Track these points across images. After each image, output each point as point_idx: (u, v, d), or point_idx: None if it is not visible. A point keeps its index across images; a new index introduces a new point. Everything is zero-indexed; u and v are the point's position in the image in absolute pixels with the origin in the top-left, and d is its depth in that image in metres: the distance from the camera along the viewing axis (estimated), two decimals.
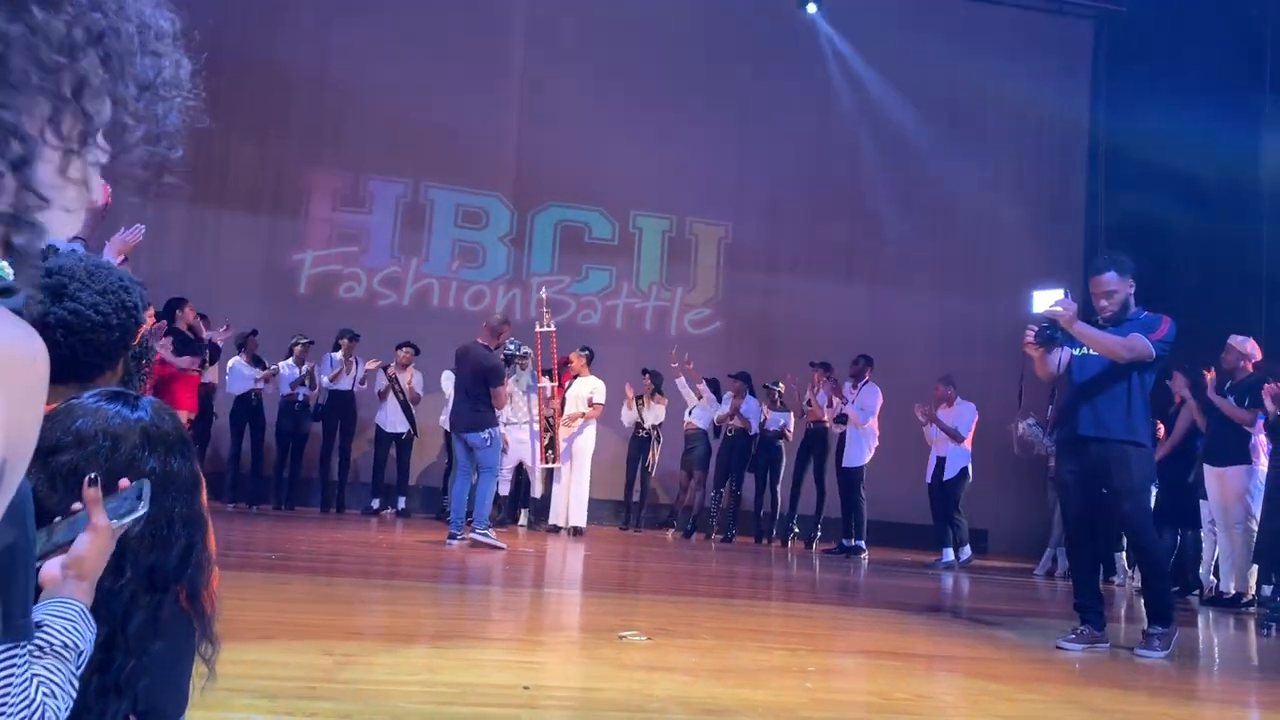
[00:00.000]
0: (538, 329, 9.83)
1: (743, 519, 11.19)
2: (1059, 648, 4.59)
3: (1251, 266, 10.48)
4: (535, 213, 12.88)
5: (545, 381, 9.65)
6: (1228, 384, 7.67)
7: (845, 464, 10.22)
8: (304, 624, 3.77)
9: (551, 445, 9.61)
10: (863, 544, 10.11)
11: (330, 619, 4.00)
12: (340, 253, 12.42)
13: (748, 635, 4.35)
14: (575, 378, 10.12)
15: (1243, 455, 7.55)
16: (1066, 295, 4.62)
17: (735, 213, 13.20)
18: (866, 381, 10.28)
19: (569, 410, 9.92)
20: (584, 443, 9.95)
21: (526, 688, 2.89)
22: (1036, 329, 4.62)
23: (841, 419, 10.34)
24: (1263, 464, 7.47)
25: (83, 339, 1.61)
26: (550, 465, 9.56)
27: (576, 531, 9.64)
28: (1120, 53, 13.34)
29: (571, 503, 9.79)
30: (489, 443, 7.64)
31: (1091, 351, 4.68)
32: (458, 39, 12.33)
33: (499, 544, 7.49)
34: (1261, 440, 7.52)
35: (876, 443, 10.20)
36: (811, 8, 13.13)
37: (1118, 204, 13.02)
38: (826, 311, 12.74)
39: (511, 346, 9.11)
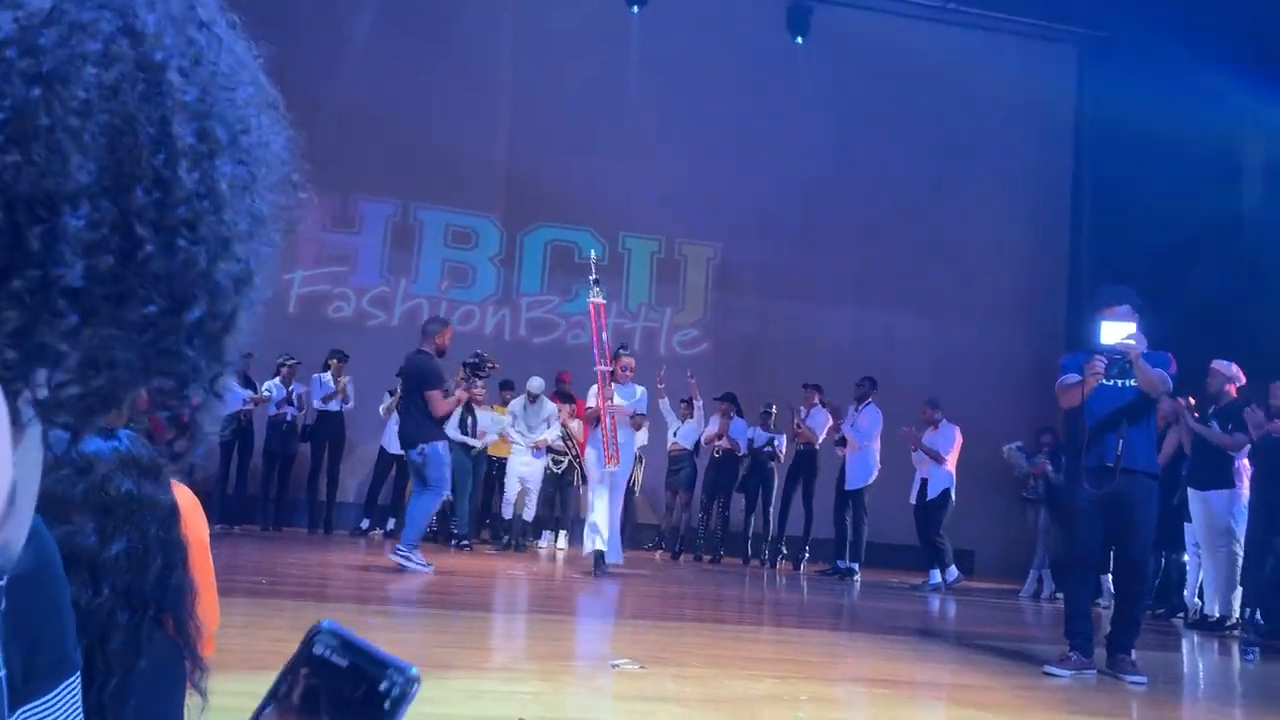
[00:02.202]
0: (591, 300, 8.29)
1: (730, 540, 11.24)
2: (1047, 674, 4.63)
3: (1233, 289, 10.60)
4: (525, 233, 12.94)
5: (602, 366, 7.96)
6: (1212, 409, 7.77)
7: (847, 486, 10.27)
8: None
9: (613, 444, 7.81)
10: (856, 566, 10.15)
11: None
12: (329, 273, 12.44)
13: (739, 663, 4.38)
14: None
15: (1226, 479, 7.63)
16: (1138, 329, 4.69)
17: (724, 234, 13.29)
18: (869, 403, 10.32)
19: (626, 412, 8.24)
20: (627, 463, 8.26)
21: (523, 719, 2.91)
22: (1108, 360, 4.67)
23: (841, 442, 10.40)
24: (1246, 488, 7.56)
25: None
26: (614, 469, 7.79)
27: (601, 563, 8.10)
28: (1104, 76, 13.50)
29: (610, 535, 8.01)
30: (423, 458, 7.03)
31: (1119, 383, 4.76)
32: (447, 60, 12.40)
33: (425, 566, 6.89)
34: (1245, 464, 7.61)
35: (879, 465, 10.23)
36: (799, 39, 13.28)
37: (1103, 231, 13.16)
38: (814, 333, 12.84)
39: (474, 359, 8.38)
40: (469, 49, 12.59)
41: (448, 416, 7.46)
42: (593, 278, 8.41)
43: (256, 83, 0.65)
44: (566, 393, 10.76)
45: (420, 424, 7.10)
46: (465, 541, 9.80)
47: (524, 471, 10.15)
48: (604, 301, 8.38)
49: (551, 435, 10.24)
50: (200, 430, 0.66)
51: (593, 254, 8.89)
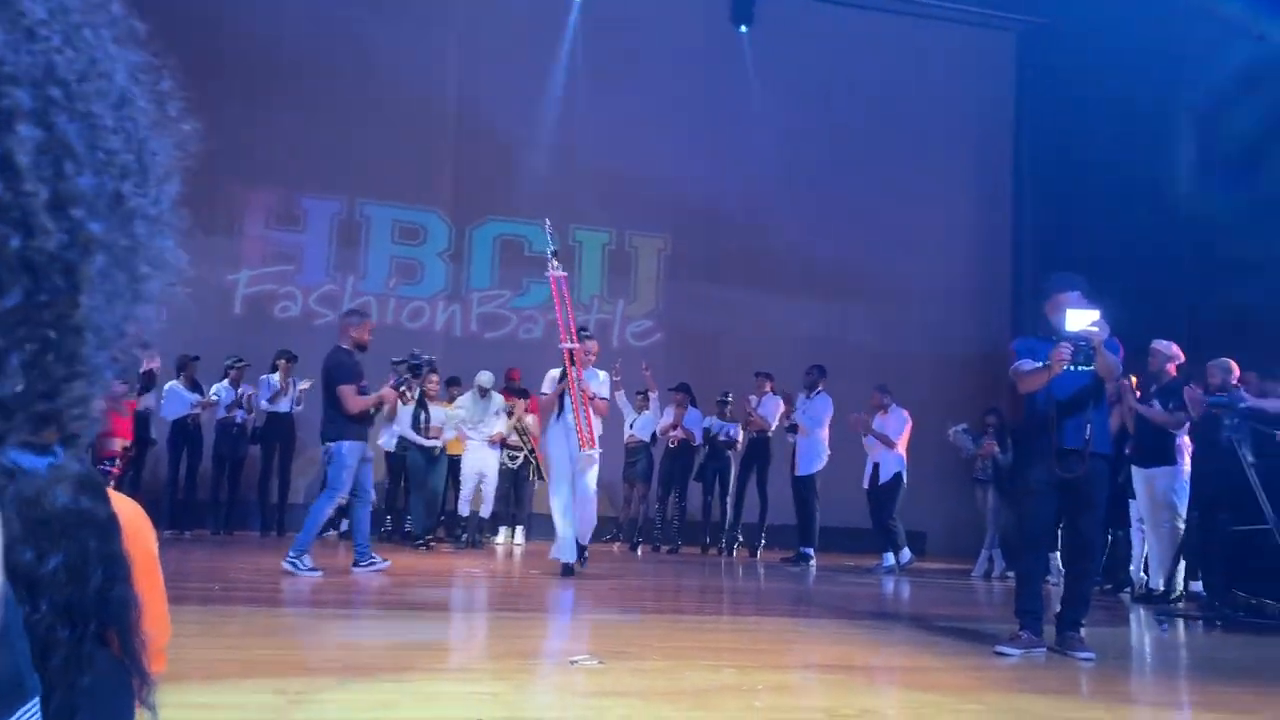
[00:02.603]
0: (551, 273, 7.54)
1: (687, 529, 11.30)
2: (998, 653, 4.72)
3: (1172, 270, 10.83)
4: (474, 228, 12.87)
5: (569, 343, 7.23)
6: (1153, 388, 7.94)
7: (798, 473, 10.38)
8: (252, 660, 3.75)
9: (585, 425, 7.12)
10: (811, 551, 10.26)
11: (279, 654, 3.97)
12: (275, 272, 12.29)
13: (697, 653, 4.41)
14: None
15: (1168, 457, 7.81)
16: (1101, 317, 4.81)
17: (674, 225, 13.32)
18: (819, 391, 10.43)
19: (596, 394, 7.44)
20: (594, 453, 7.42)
21: None
22: (1074, 347, 4.77)
23: (793, 429, 10.50)
24: (1187, 465, 7.75)
25: None
26: (591, 451, 7.16)
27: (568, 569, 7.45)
28: (1043, 64, 13.70)
29: (582, 531, 7.53)
30: (327, 457, 6.88)
31: (1075, 368, 4.88)
32: (391, 53, 12.28)
33: (312, 571, 6.62)
34: (1186, 441, 7.79)
35: (828, 452, 10.34)
36: (744, 28, 13.34)
37: (1045, 216, 13.37)
38: (767, 322, 12.93)
39: (409, 357, 7.66)
40: (413, 43, 12.47)
41: (366, 416, 6.96)
42: (550, 249, 7.69)
43: (99, 18, 0.57)
44: (519, 389, 10.72)
45: (332, 421, 6.87)
46: (421, 541, 9.70)
47: (480, 466, 10.14)
48: (565, 274, 7.57)
49: (504, 427, 10.25)
50: (65, 423, 0.59)
51: (547, 222, 7.91)
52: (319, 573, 6.62)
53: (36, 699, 1.06)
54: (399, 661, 3.82)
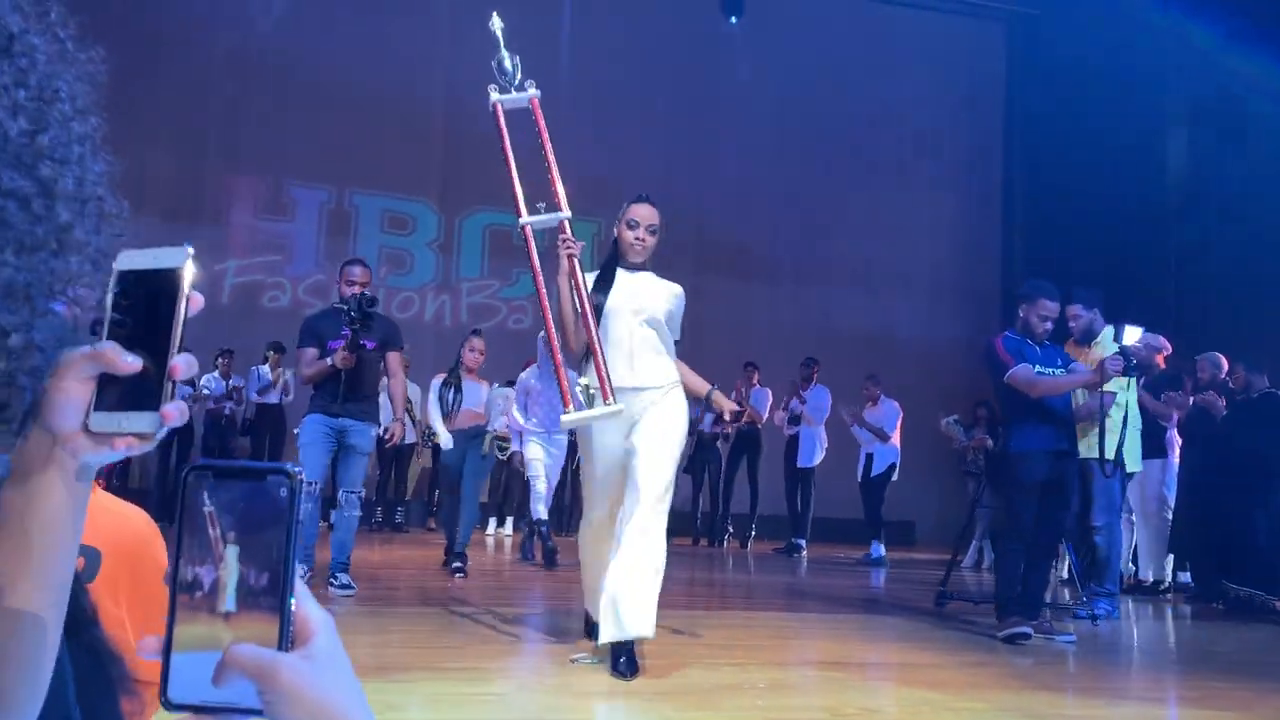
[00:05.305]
0: (494, 98, 4.46)
1: (677, 521, 11.31)
2: (1015, 643, 4.82)
3: (1159, 263, 10.89)
4: (463, 218, 12.82)
5: (530, 215, 4.10)
6: (1143, 380, 7.98)
7: (800, 464, 10.43)
8: None
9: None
10: (803, 542, 10.34)
11: None
12: (263, 261, 12.22)
13: (695, 650, 4.43)
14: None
15: (1159, 449, 7.86)
16: (1145, 332, 5.01)
17: (662, 215, 13.25)
18: (815, 384, 10.50)
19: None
20: (675, 423, 4.30)
21: None
22: (1125, 362, 4.96)
23: (795, 419, 10.55)
24: (1176, 458, 7.82)
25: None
26: (610, 409, 3.92)
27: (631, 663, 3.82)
28: (1033, 52, 13.72)
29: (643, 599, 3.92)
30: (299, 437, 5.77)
31: (1055, 372, 5.10)
32: (380, 41, 12.20)
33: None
34: (1175, 435, 7.86)
35: (826, 443, 10.41)
36: (734, 19, 13.32)
37: (1034, 206, 13.42)
38: (754, 313, 12.94)
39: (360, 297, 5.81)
40: (402, 31, 12.39)
41: (325, 385, 5.65)
42: (501, 62, 4.45)
43: None
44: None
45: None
46: (459, 564, 6.83)
47: (549, 462, 7.78)
48: (536, 93, 4.45)
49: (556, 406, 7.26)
50: (15, 383, 0.59)
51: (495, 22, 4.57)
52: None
53: None
54: (400, 661, 3.82)
